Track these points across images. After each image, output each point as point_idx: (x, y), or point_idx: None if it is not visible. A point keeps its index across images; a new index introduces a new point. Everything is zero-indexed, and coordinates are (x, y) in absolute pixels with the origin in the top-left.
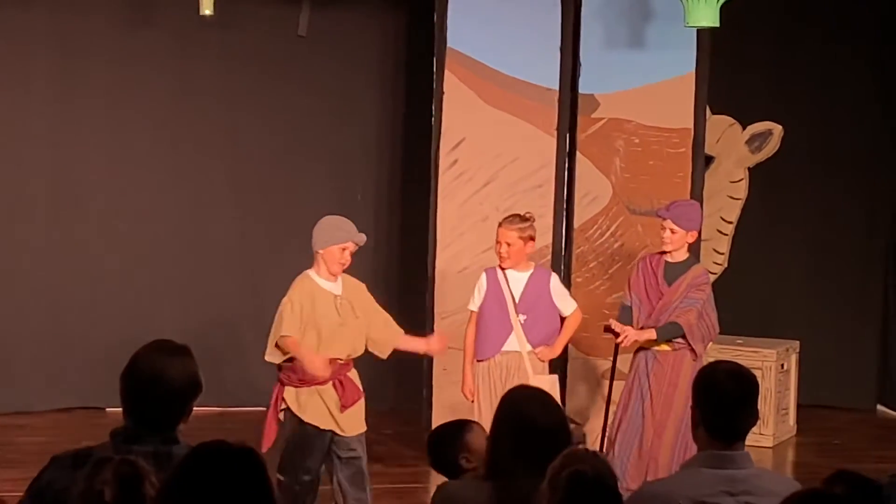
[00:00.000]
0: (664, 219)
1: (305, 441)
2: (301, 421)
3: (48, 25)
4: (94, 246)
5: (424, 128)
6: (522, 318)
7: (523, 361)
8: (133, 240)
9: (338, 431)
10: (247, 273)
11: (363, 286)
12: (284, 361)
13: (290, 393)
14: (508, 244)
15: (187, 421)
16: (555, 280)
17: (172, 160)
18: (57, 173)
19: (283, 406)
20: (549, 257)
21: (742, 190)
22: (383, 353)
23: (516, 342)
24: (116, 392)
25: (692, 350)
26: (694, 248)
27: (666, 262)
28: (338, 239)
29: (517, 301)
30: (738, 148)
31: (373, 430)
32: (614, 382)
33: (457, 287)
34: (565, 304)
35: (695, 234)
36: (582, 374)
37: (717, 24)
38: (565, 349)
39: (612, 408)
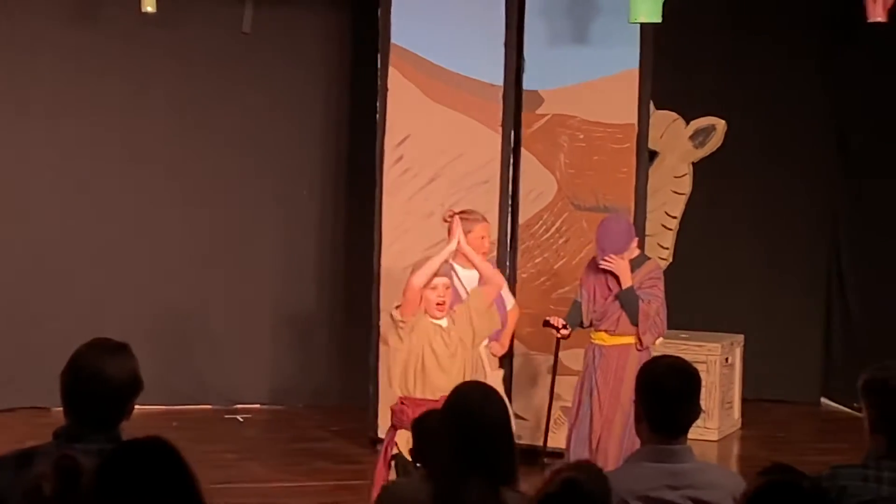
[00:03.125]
0: (606, 255)
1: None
2: (415, 466)
3: None
4: (39, 244)
5: (369, 124)
6: None
7: (480, 357)
8: (78, 238)
9: None
10: (192, 271)
11: (465, 307)
12: (397, 404)
13: (402, 437)
14: (483, 237)
15: (129, 419)
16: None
17: (118, 157)
18: (1, 172)
19: (396, 451)
20: (495, 253)
21: (686, 185)
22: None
23: None
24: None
25: (639, 341)
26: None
27: None
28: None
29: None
30: (681, 143)
31: (320, 427)
32: (557, 377)
33: (402, 283)
34: (507, 300)
35: (634, 244)
36: (527, 370)
37: (660, 20)
38: (511, 345)
39: (557, 402)
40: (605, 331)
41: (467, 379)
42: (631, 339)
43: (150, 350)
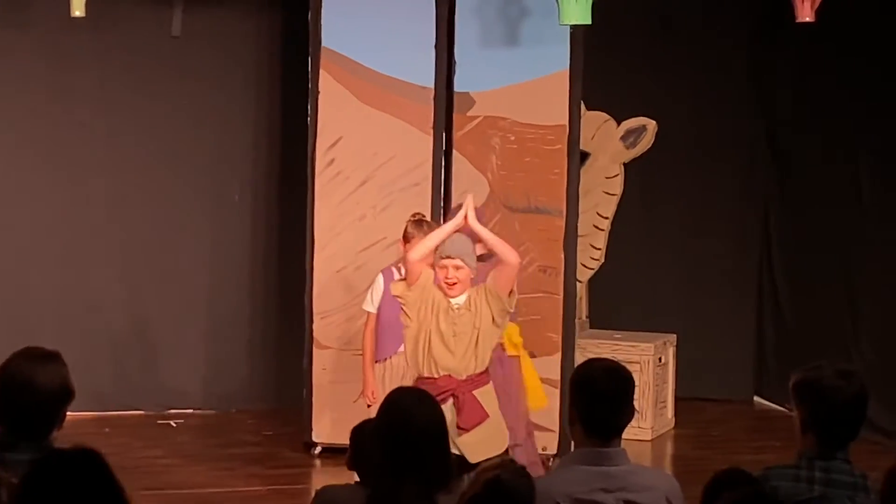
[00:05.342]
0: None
1: None
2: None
3: None
4: None
5: (300, 127)
6: None
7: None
8: (7, 245)
9: (465, 456)
10: (123, 275)
11: (482, 289)
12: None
13: None
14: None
15: (61, 427)
16: None
17: (47, 163)
18: None
19: None
20: None
21: (618, 185)
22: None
23: None
24: None
25: None
26: (570, 244)
27: None
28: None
29: None
30: (613, 144)
31: (253, 431)
32: None
33: (334, 287)
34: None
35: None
36: None
37: (590, 22)
38: None
39: None
40: None
41: (477, 360)
42: None
43: (81, 356)
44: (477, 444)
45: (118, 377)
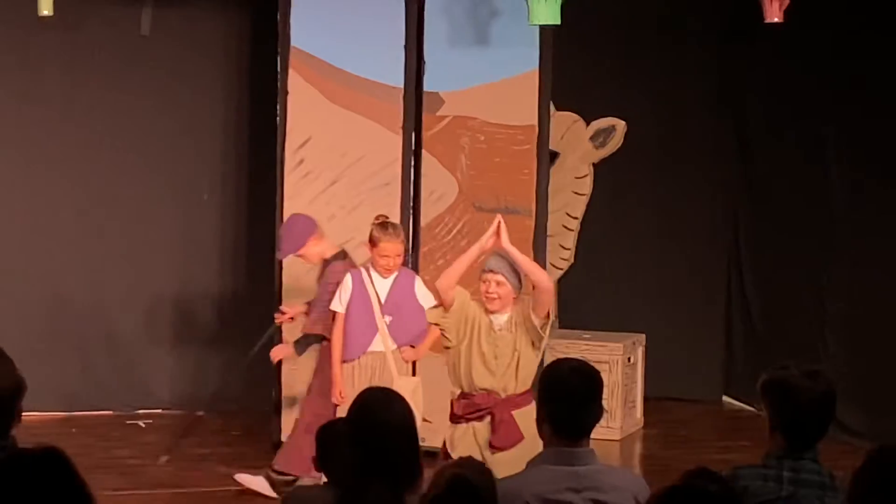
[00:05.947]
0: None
1: None
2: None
3: None
4: None
5: (270, 127)
6: (388, 318)
7: (388, 362)
8: None
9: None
10: (91, 275)
11: (521, 312)
12: (456, 398)
13: (446, 430)
14: (399, 255)
15: (19, 422)
16: (419, 282)
17: (14, 162)
18: None
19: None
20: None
21: (587, 185)
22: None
23: (381, 343)
24: None
25: None
26: (540, 244)
27: None
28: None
29: (383, 302)
30: (582, 144)
31: (222, 431)
32: None
33: (305, 287)
34: (430, 305)
35: (314, 241)
36: (431, 372)
37: (559, 22)
38: None
39: None
40: None
41: (518, 380)
42: None
43: (48, 355)
44: (508, 464)
45: (87, 378)
